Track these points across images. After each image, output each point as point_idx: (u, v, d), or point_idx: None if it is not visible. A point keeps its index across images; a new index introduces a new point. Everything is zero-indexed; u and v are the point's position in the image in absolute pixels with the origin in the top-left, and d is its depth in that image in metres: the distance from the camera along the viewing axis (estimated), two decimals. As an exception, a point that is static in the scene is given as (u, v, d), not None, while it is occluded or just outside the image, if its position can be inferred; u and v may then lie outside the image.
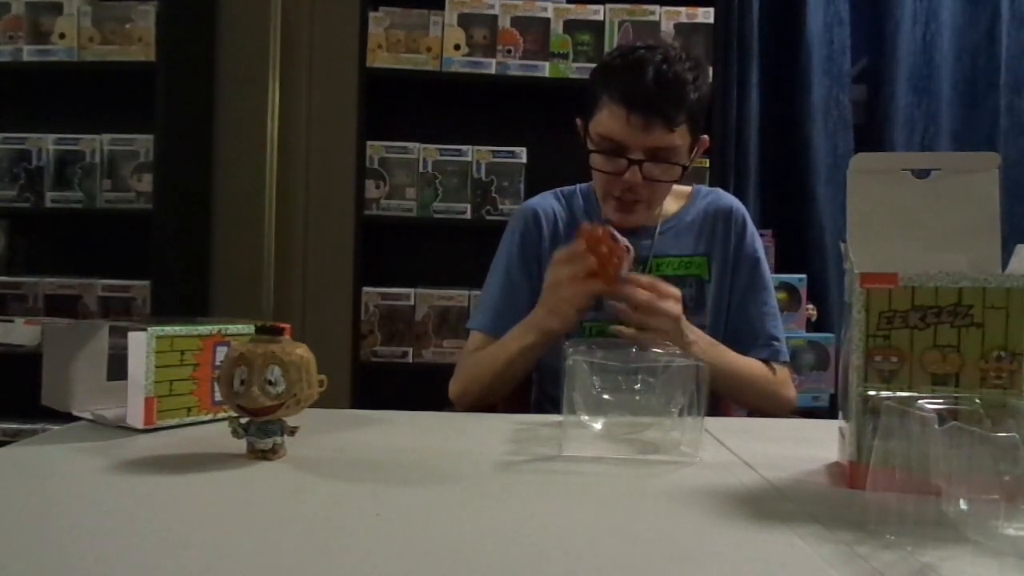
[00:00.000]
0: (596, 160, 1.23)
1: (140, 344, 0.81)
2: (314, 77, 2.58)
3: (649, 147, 1.18)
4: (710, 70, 2.22)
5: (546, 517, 0.59)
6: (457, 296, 2.30)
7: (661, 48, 1.19)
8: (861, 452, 0.66)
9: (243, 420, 0.72)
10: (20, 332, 2.16)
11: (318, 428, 0.84)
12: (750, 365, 1.24)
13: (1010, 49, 2.47)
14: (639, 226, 1.29)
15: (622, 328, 1.11)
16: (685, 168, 1.24)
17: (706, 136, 1.27)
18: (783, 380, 1.29)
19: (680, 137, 1.19)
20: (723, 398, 1.29)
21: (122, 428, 0.83)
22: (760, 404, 1.24)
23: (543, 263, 1.33)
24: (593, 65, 2.23)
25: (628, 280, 1.09)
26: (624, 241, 1.07)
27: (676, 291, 1.11)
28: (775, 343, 1.30)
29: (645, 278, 1.12)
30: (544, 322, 1.15)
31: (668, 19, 2.30)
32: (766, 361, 1.27)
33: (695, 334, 1.15)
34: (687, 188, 1.38)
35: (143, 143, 2.28)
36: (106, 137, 2.29)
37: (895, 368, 0.66)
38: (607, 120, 1.19)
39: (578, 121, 1.29)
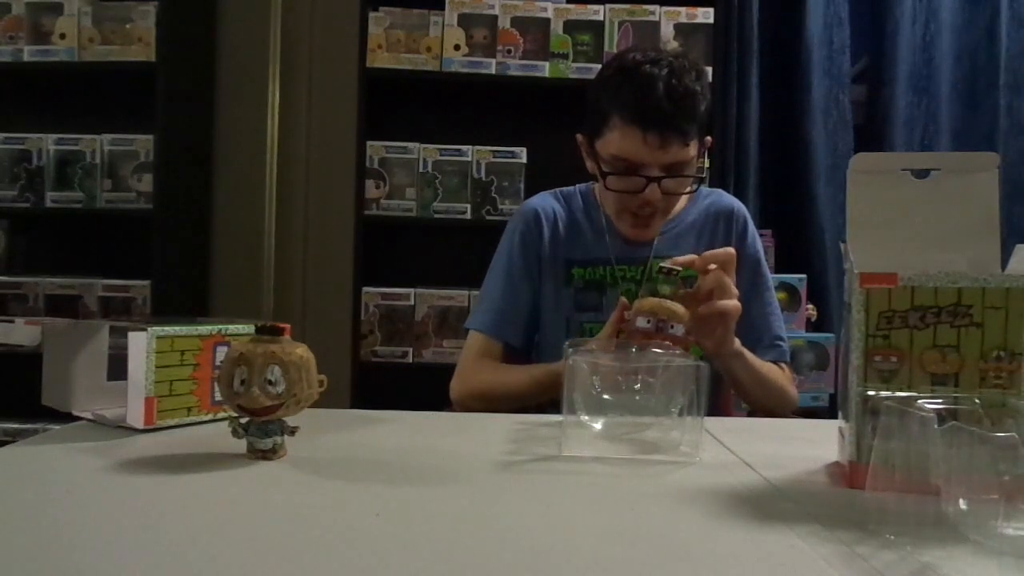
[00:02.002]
0: (612, 181, 1.22)
1: (140, 344, 0.81)
2: (314, 77, 2.58)
3: (666, 163, 1.18)
4: (709, 71, 2.24)
5: (546, 517, 0.59)
6: (457, 296, 2.30)
7: (664, 60, 1.17)
8: (861, 452, 0.66)
9: (243, 420, 0.72)
10: (20, 332, 2.15)
11: (318, 428, 0.84)
12: (771, 368, 1.25)
13: (1010, 49, 2.47)
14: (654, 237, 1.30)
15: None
16: (703, 179, 1.25)
17: (709, 137, 1.27)
18: (789, 379, 1.30)
19: (693, 148, 1.20)
20: (750, 403, 1.28)
21: (122, 428, 0.83)
22: (773, 405, 1.24)
23: (543, 263, 1.33)
24: (593, 66, 2.27)
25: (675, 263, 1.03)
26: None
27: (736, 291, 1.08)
28: (781, 343, 1.30)
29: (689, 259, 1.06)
30: None
31: (668, 19, 2.30)
32: (774, 361, 1.27)
33: (737, 340, 1.15)
34: (687, 189, 1.38)
35: (143, 143, 2.28)
36: (106, 137, 2.29)
37: (895, 368, 0.66)
38: (620, 140, 1.18)
39: (579, 137, 1.29)
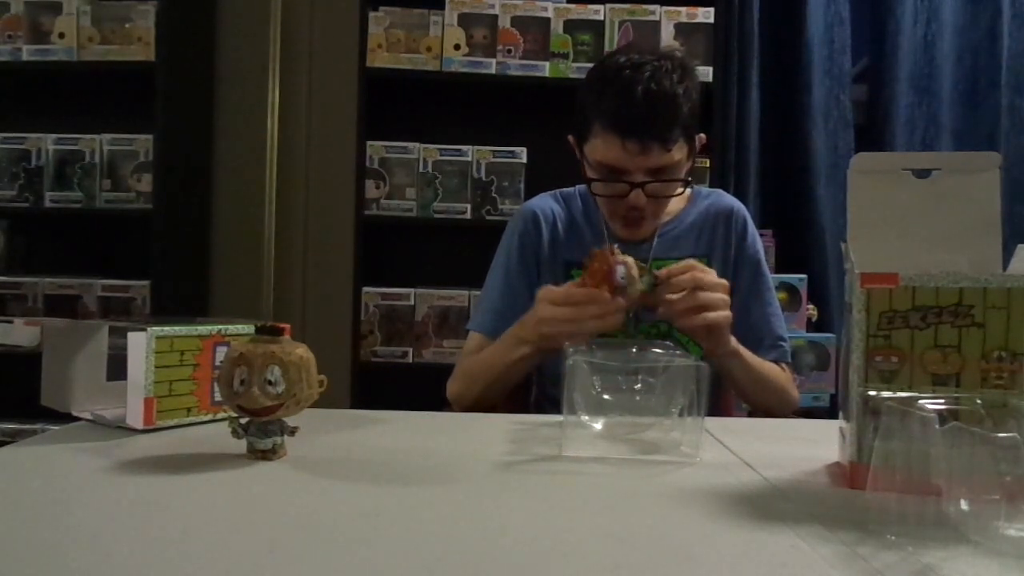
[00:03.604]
0: (598, 187, 1.22)
1: (140, 344, 0.81)
2: (314, 77, 2.58)
3: (649, 168, 1.18)
4: (709, 71, 2.24)
5: (546, 517, 0.59)
6: (457, 296, 2.30)
7: (646, 64, 1.16)
8: (862, 452, 0.66)
9: (243, 420, 0.72)
10: (20, 332, 2.15)
11: (318, 428, 0.84)
12: (771, 368, 1.24)
13: (1011, 49, 2.47)
14: (648, 237, 1.29)
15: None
16: (688, 182, 1.24)
17: (702, 135, 1.26)
18: (790, 380, 1.29)
19: (678, 151, 1.18)
20: (749, 403, 1.28)
21: (122, 428, 0.83)
22: (774, 405, 1.23)
23: (542, 265, 1.33)
24: (592, 65, 2.26)
25: (667, 274, 1.05)
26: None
27: (724, 283, 1.08)
28: (782, 344, 1.30)
29: (683, 268, 1.07)
30: (537, 339, 1.12)
31: (668, 19, 2.30)
32: (775, 361, 1.27)
33: (734, 339, 1.15)
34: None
35: (143, 143, 2.28)
36: (106, 137, 2.29)
37: (896, 368, 0.66)
38: (602, 148, 1.18)
39: (570, 138, 1.29)
